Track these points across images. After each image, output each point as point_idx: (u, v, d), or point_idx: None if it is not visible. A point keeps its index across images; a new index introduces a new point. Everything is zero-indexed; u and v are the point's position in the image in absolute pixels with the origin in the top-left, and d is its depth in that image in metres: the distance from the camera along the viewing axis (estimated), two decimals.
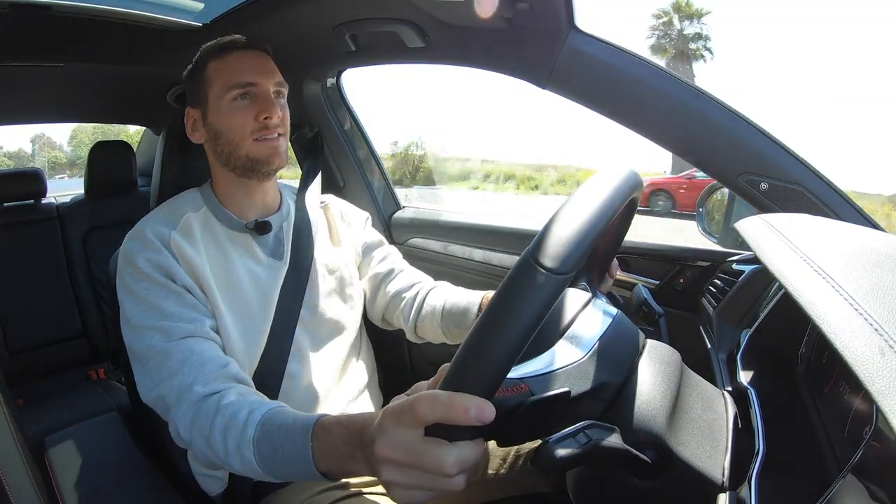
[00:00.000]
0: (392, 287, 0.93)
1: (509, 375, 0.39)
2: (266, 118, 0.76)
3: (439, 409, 0.37)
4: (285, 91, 0.82)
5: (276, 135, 0.78)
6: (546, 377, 0.45)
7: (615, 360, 0.48)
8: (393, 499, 0.41)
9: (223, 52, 0.79)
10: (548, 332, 0.50)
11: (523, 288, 0.36)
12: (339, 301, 0.88)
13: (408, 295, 0.91)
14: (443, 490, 0.39)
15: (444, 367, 0.40)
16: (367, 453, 0.43)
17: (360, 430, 0.45)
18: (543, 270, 0.36)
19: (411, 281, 0.94)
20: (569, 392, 0.43)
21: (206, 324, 0.71)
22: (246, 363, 0.75)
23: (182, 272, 0.72)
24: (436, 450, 0.38)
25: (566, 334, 0.50)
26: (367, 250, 0.96)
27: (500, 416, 0.37)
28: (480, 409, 0.36)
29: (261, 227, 0.82)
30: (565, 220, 0.39)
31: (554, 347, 0.48)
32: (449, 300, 0.85)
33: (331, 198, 0.98)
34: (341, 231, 0.94)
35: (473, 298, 0.82)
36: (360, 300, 0.93)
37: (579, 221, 0.39)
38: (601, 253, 0.68)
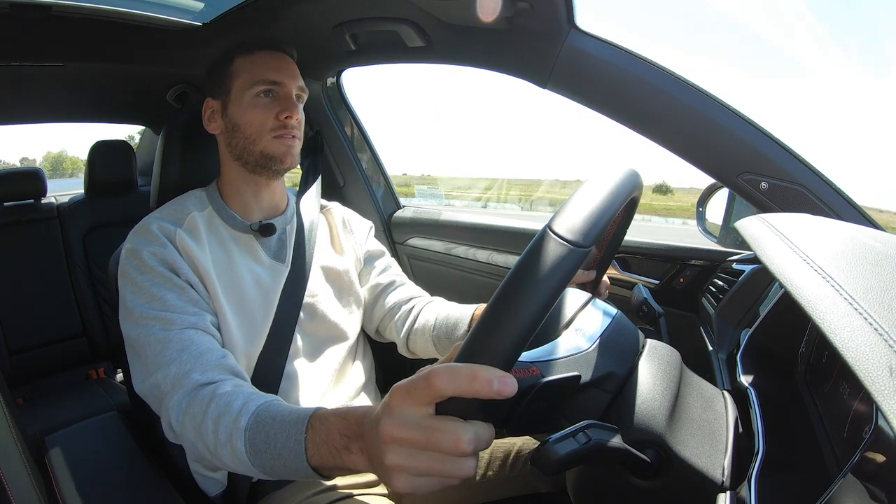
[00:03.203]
0: (391, 299, 0.93)
1: (519, 360, 0.39)
2: (287, 117, 0.78)
3: (459, 381, 0.35)
4: (305, 97, 0.84)
5: (292, 135, 0.80)
6: (555, 363, 0.45)
7: (619, 353, 0.48)
8: (395, 488, 0.38)
9: (252, 48, 0.81)
10: (552, 324, 0.51)
11: (543, 259, 0.36)
12: (338, 305, 0.88)
13: (404, 308, 0.92)
14: (453, 474, 0.37)
15: (458, 345, 0.38)
16: (367, 441, 0.41)
17: (358, 419, 0.44)
18: (564, 242, 0.36)
19: (409, 295, 0.94)
20: (579, 376, 0.43)
21: (206, 318, 0.71)
22: (244, 362, 0.75)
23: (186, 268, 0.73)
24: (451, 426, 0.36)
25: (570, 326, 0.50)
26: (370, 259, 0.97)
27: (514, 398, 0.36)
28: (502, 381, 0.34)
29: (265, 229, 0.82)
30: (583, 198, 0.40)
31: (559, 338, 0.49)
32: (442, 312, 0.86)
33: (334, 204, 0.99)
34: (343, 237, 0.95)
35: (465, 311, 0.83)
36: (361, 305, 0.93)
37: (597, 199, 0.40)
38: (597, 259, 0.68)
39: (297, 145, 0.82)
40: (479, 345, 0.36)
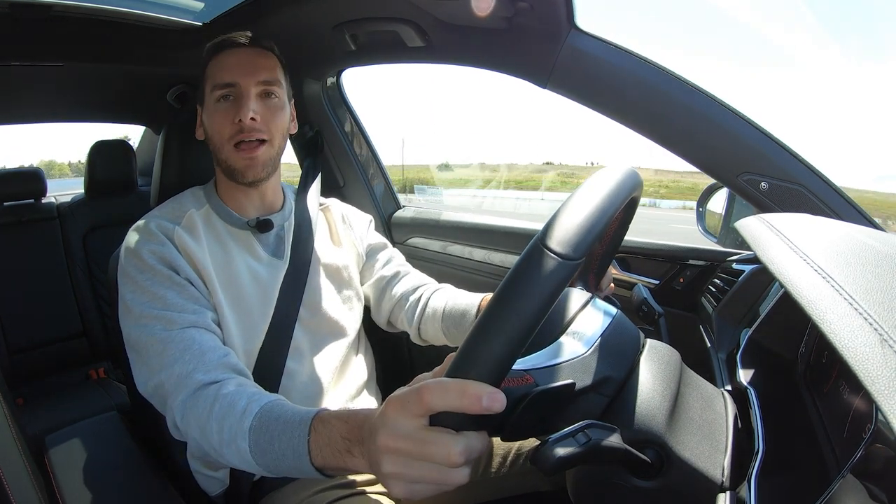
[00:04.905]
0: (398, 290, 0.93)
1: (514, 367, 0.39)
2: (239, 121, 0.75)
3: (449, 397, 0.36)
4: (278, 90, 0.79)
5: (254, 141, 0.76)
6: (550, 370, 0.45)
7: (617, 356, 0.48)
8: (393, 493, 0.40)
9: (218, 50, 0.79)
10: (550, 327, 0.50)
11: (533, 273, 0.36)
12: (338, 301, 0.88)
13: (412, 297, 0.92)
14: (446, 482, 0.38)
15: (451, 356, 0.39)
16: (367, 448, 0.42)
17: (359, 424, 0.45)
18: (554, 255, 0.36)
19: (416, 283, 0.94)
20: (574, 384, 0.43)
21: (207, 316, 0.71)
22: (244, 360, 0.75)
23: (185, 265, 0.73)
24: (443, 438, 0.37)
25: (568, 330, 0.50)
26: (371, 253, 0.97)
27: (506, 407, 0.36)
28: (491, 398, 0.35)
29: (262, 226, 0.82)
30: (574, 209, 0.39)
31: (556, 342, 0.48)
32: (450, 302, 0.85)
33: (332, 201, 0.99)
34: (342, 233, 0.94)
35: (473, 300, 0.83)
36: (361, 301, 0.93)
37: (588, 210, 0.39)
38: (599, 256, 0.68)
39: (264, 153, 0.77)
40: (469, 360, 0.37)
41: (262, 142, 0.77)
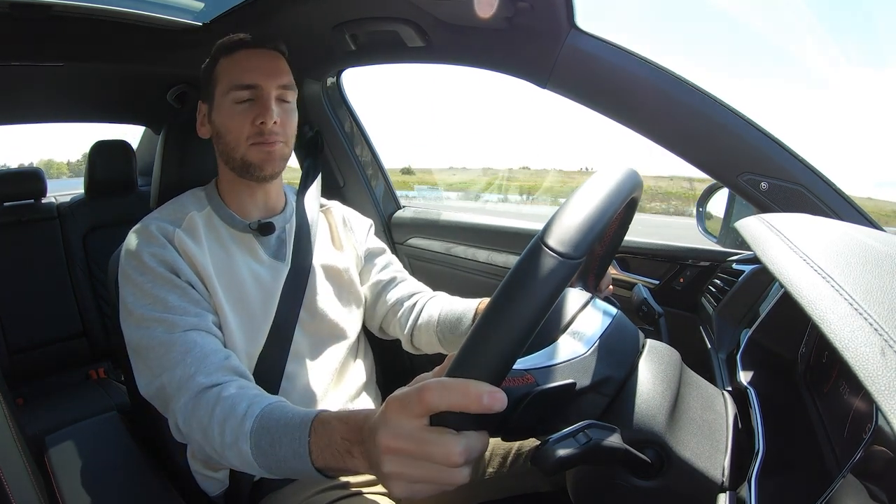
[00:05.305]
0: (392, 295, 0.93)
1: (514, 367, 0.39)
2: (262, 123, 0.76)
3: (450, 396, 0.36)
4: (292, 94, 0.81)
5: (271, 141, 0.77)
6: (550, 370, 0.45)
7: (617, 356, 0.48)
8: (393, 493, 0.40)
9: (234, 49, 0.79)
10: (550, 327, 0.51)
11: (534, 272, 0.36)
12: (338, 304, 0.88)
13: (407, 304, 0.91)
14: (446, 482, 0.38)
15: (452, 356, 0.39)
16: (367, 448, 0.42)
17: (359, 424, 0.45)
18: (554, 254, 0.36)
19: (411, 290, 0.94)
20: (574, 384, 0.43)
21: (208, 318, 0.71)
22: (245, 362, 0.75)
23: (186, 268, 0.73)
24: (443, 438, 0.37)
25: (568, 330, 0.50)
26: (370, 257, 0.96)
27: (507, 407, 0.36)
28: (492, 397, 0.35)
29: (264, 228, 0.82)
30: (575, 208, 0.40)
31: (556, 342, 0.49)
32: (446, 307, 0.85)
33: (334, 203, 0.99)
34: (343, 235, 0.94)
35: (469, 305, 0.82)
36: (361, 304, 0.93)
37: (588, 209, 0.40)
38: (599, 257, 0.68)
39: (280, 150, 0.79)
40: (470, 359, 0.37)
41: (278, 142, 0.79)
